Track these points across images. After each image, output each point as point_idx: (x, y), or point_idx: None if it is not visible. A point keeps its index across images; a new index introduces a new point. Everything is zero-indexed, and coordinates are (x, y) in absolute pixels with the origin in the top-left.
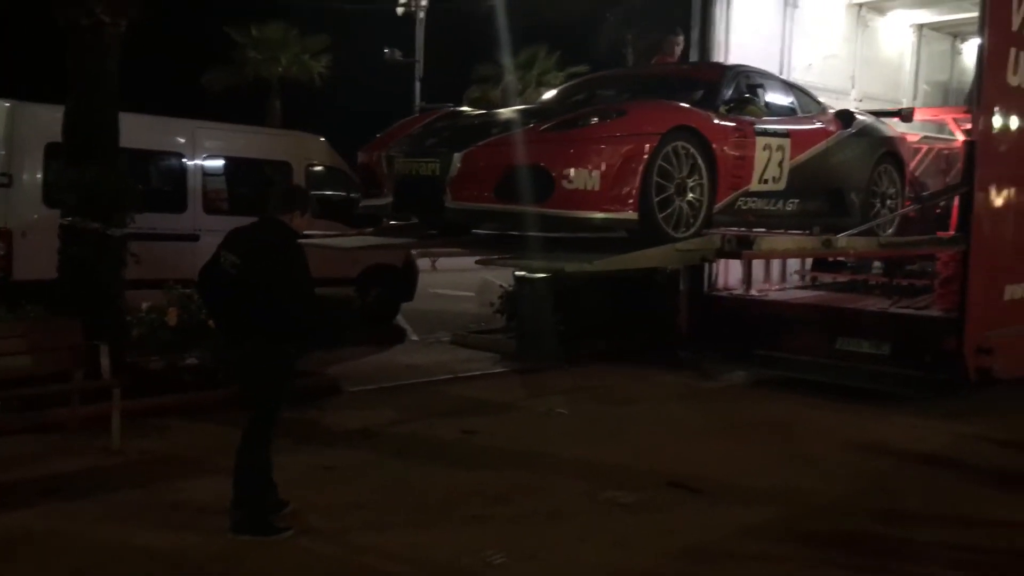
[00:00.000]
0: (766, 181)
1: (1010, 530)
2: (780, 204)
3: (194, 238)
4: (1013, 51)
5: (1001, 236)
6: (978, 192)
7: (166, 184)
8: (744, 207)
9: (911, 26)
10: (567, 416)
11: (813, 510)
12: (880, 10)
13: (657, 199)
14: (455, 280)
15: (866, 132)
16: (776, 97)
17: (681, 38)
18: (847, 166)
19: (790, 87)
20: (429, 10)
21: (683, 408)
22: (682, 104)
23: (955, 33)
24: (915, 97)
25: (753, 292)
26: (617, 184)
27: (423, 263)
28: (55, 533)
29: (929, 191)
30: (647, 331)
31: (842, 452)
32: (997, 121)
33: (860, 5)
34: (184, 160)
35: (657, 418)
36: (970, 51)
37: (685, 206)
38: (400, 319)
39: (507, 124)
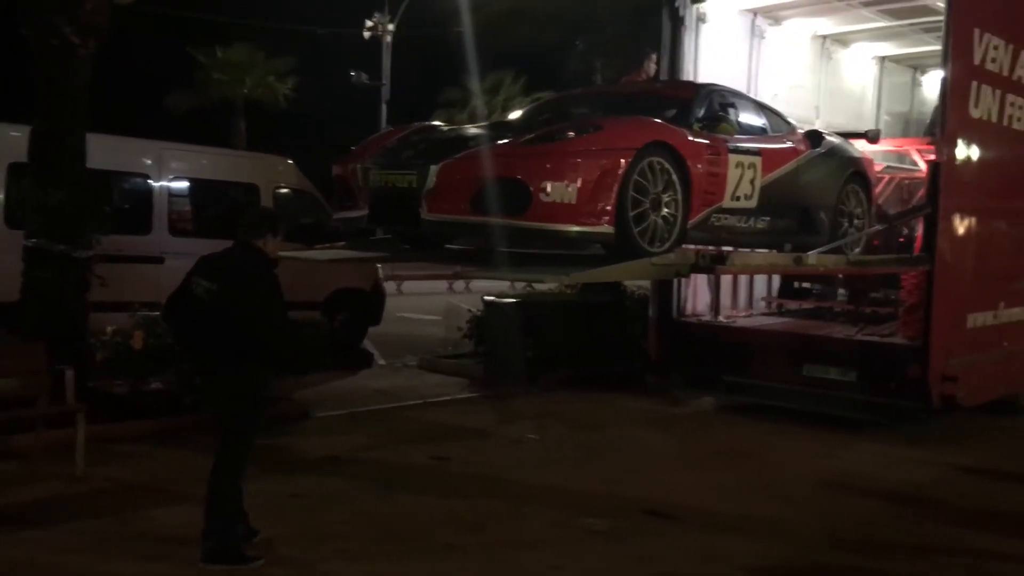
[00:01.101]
0: (738, 198)
1: (977, 559)
2: (752, 221)
3: (159, 260)
4: (975, 84)
5: (963, 264)
6: (942, 220)
7: (132, 206)
8: (717, 223)
9: (873, 58)
10: (538, 442)
11: (784, 538)
12: (844, 42)
13: (632, 214)
14: (422, 304)
15: (834, 152)
16: (748, 116)
17: (655, 56)
18: (816, 185)
19: (761, 107)
20: (396, 34)
21: (653, 434)
22: (657, 120)
23: (915, 65)
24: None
25: (721, 318)
26: (593, 198)
27: (389, 287)
28: (18, 563)
29: (891, 212)
30: (616, 357)
31: (810, 479)
32: (960, 152)
33: (824, 37)
34: (150, 182)
35: (627, 444)
36: (930, 83)
37: (660, 221)
38: (367, 343)
39: (484, 138)
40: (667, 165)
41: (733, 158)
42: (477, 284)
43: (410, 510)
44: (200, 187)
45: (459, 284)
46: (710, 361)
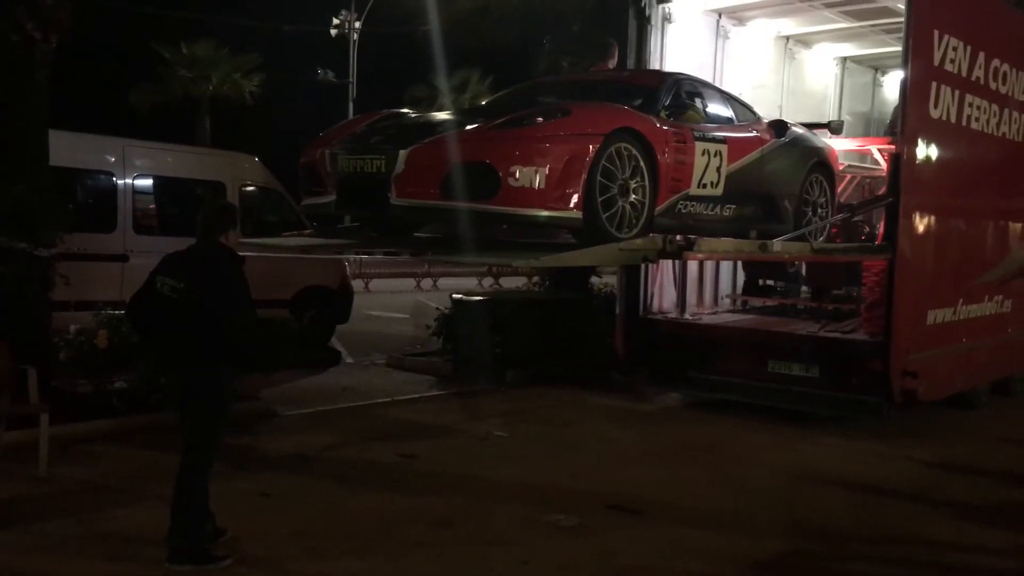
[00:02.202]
0: (705, 186)
1: (936, 549)
2: (718, 209)
3: (124, 258)
4: (935, 85)
5: (923, 262)
6: (902, 218)
7: (95, 203)
8: (684, 210)
9: (835, 59)
10: (506, 439)
11: (747, 530)
12: (806, 43)
13: (601, 199)
14: (390, 302)
15: (798, 142)
16: (714, 105)
17: (615, 50)
18: (780, 174)
19: (727, 97)
20: (363, 32)
21: (620, 430)
22: (625, 107)
23: (876, 66)
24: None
25: (687, 316)
26: (562, 183)
27: (357, 285)
28: None
29: (855, 218)
30: (583, 354)
31: (775, 473)
32: (920, 152)
33: (787, 38)
34: (114, 179)
35: (594, 440)
36: (890, 83)
37: (628, 207)
38: (335, 341)
39: (452, 123)
40: (634, 151)
41: (699, 146)
42: (445, 282)
43: (378, 508)
44: (165, 185)
45: (427, 282)
46: (676, 358)
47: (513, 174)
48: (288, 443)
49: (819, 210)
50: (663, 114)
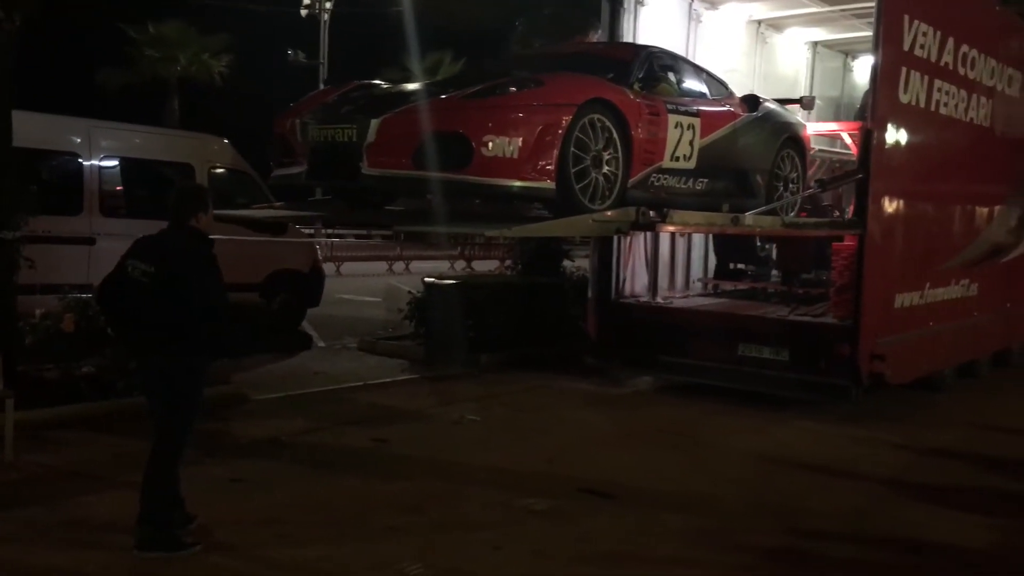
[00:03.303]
0: (677, 159)
1: (908, 530)
2: (691, 183)
3: (90, 241)
4: (904, 70)
5: (892, 245)
6: (871, 203)
7: (61, 185)
8: (657, 183)
9: (806, 43)
10: (479, 423)
11: (719, 513)
12: (778, 27)
13: (574, 170)
14: (361, 285)
15: (770, 117)
16: (687, 79)
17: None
18: (753, 148)
19: (700, 71)
20: (334, 12)
21: (593, 414)
22: (598, 78)
23: (847, 51)
24: (809, 114)
25: (659, 299)
26: (535, 153)
27: (329, 268)
28: None
29: (824, 203)
30: (556, 338)
31: (746, 456)
32: (890, 137)
33: (759, 22)
34: (80, 161)
35: (567, 424)
36: (861, 68)
37: (601, 179)
38: (306, 325)
39: (425, 93)
40: (608, 123)
41: (672, 119)
42: (417, 265)
43: (350, 493)
44: (132, 167)
45: (399, 265)
46: (648, 341)
47: (486, 144)
48: (259, 428)
49: (790, 185)
50: (636, 86)
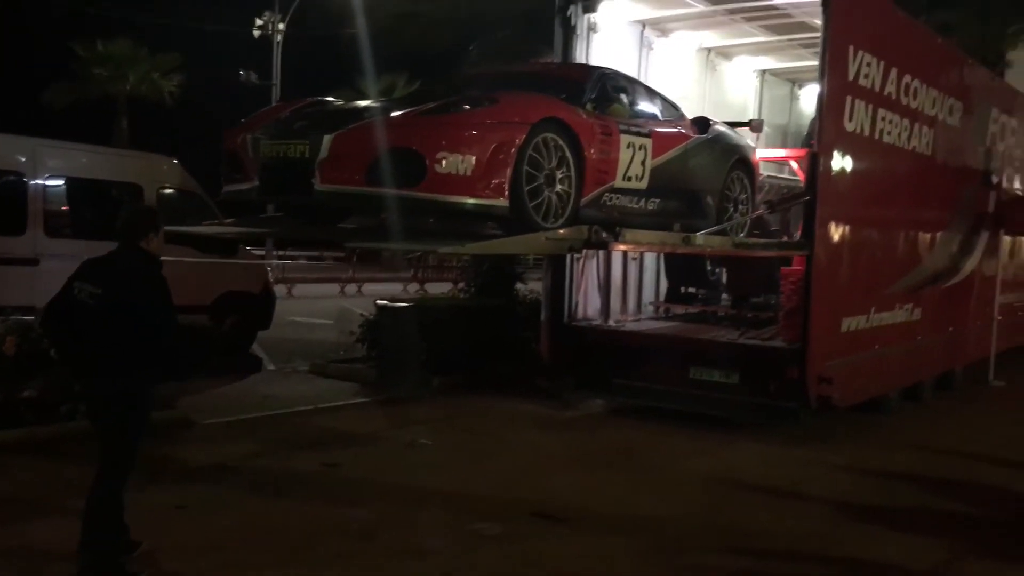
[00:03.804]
0: (630, 179)
1: (852, 552)
2: (643, 203)
3: (34, 262)
4: (849, 99)
5: (838, 270)
6: (819, 228)
7: (4, 205)
8: (609, 203)
9: (755, 71)
10: (430, 447)
11: (671, 536)
12: (727, 55)
13: (527, 188)
14: (313, 307)
15: (720, 139)
16: (640, 100)
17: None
18: (703, 170)
19: (653, 93)
20: (287, 34)
21: (545, 437)
22: (552, 98)
23: (794, 80)
24: (757, 139)
25: (611, 322)
26: (489, 171)
27: (280, 290)
28: None
29: (772, 228)
30: (509, 361)
31: (696, 478)
32: (835, 164)
33: (709, 50)
34: (24, 180)
35: (519, 447)
36: (807, 96)
37: (554, 197)
38: (256, 347)
39: (379, 110)
40: (561, 142)
41: (625, 139)
42: (370, 288)
43: (299, 519)
44: (79, 187)
45: (352, 288)
46: (600, 364)
47: (440, 161)
48: (206, 453)
49: (740, 206)
50: (589, 107)
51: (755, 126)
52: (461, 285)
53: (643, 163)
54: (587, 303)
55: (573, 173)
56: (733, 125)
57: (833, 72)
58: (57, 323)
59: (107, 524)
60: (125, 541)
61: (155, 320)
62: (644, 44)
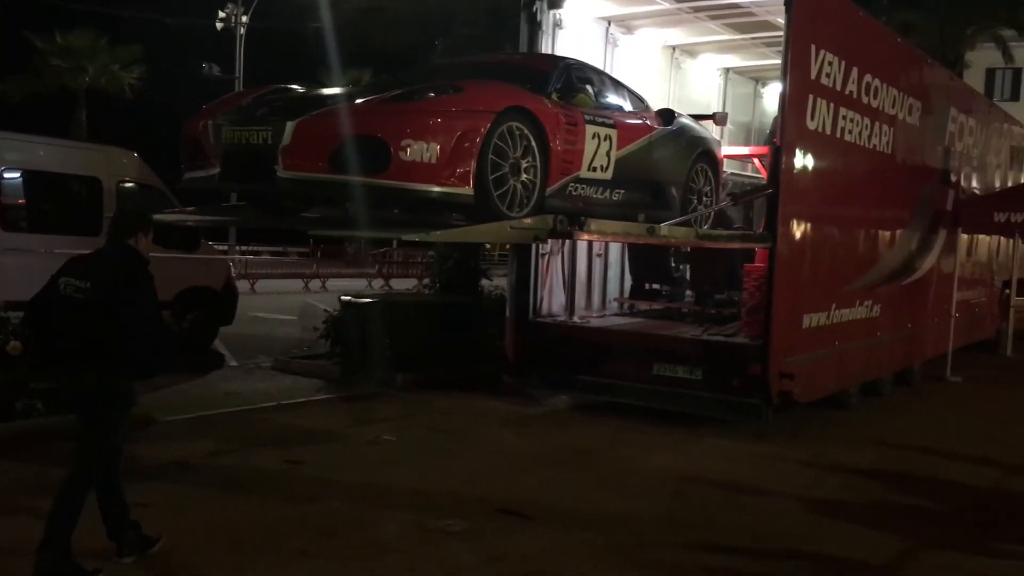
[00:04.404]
0: (595, 169)
1: (814, 546)
2: (607, 193)
3: None
4: (811, 97)
5: (800, 267)
6: (781, 225)
7: None
8: (574, 193)
9: (719, 69)
10: (394, 443)
11: (634, 532)
12: (692, 53)
13: (492, 177)
14: (276, 303)
15: (685, 132)
16: (605, 92)
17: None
18: (668, 161)
19: (618, 84)
20: (250, 27)
21: (509, 434)
22: (516, 87)
23: (757, 78)
24: (721, 136)
25: (576, 319)
26: (454, 159)
27: (242, 285)
28: None
29: (736, 226)
30: (474, 357)
31: (661, 475)
32: (797, 162)
33: (674, 48)
34: None
35: (484, 444)
36: (771, 94)
37: (519, 186)
38: (218, 344)
39: (343, 97)
40: (526, 131)
41: (590, 129)
42: (334, 283)
43: (261, 516)
44: (36, 180)
45: (315, 283)
46: (565, 361)
47: (404, 148)
48: (167, 451)
49: (704, 198)
50: (554, 96)
51: (719, 119)
52: (426, 281)
53: (608, 153)
54: (552, 299)
55: (538, 162)
56: (698, 118)
57: (795, 71)
58: (41, 318)
59: (69, 521)
60: (139, 536)
61: (139, 316)
62: (609, 41)
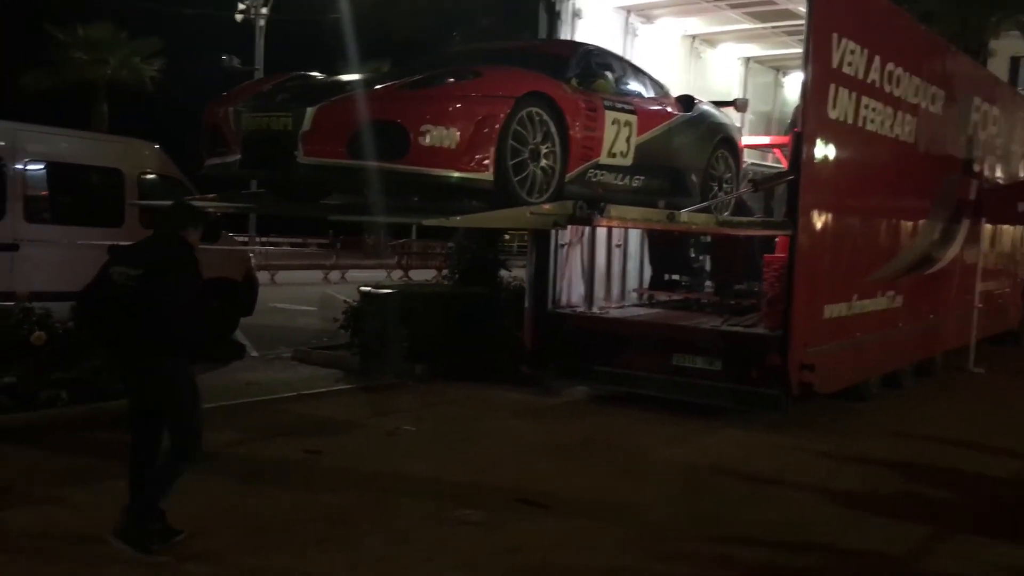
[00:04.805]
0: (614, 155)
1: (832, 537)
2: (627, 179)
3: (13, 247)
4: (833, 86)
5: (821, 257)
6: (801, 216)
7: None
8: (594, 179)
9: (739, 59)
10: (413, 434)
11: (650, 522)
12: (712, 43)
13: (512, 162)
14: (296, 294)
15: (705, 118)
16: (625, 77)
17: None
18: (688, 148)
19: (638, 71)
20: (270, 19)
21: (527, 424)
22: (536, 72)
23: (778, 67)
24: (742, 126)
25: (595, 310)
26: (473, 144)
27: (263, 276)
28: None
29: (756, 215)
30: (492, 348)
31: (678, 466)
32: (818, 152)
33: (694, 37)
34: (3, 164)
35: (502, 434)
36: (791, 84)
37: (539, 172)
38: (239, 334)
39: (362, 83)
40: (545, 117)
41: (609, 115)
42: (353, 274)
43: (281, 505)
44: (58, 172)
45: (335, 274)
46: (584, 352)
47: (423, 134)
48: None
49: (724, 185)
50: (574, 82)
51: (740, 105)
52: (445, 272)
53: (628, 140)
54: (571, 290)
55: (558, 148)
56: (718, 104)
57: (817, 60)
58: (95, 309)
59: (159, 497)
60: (164, 527)
61: (187, 304)
62: (629, 31)
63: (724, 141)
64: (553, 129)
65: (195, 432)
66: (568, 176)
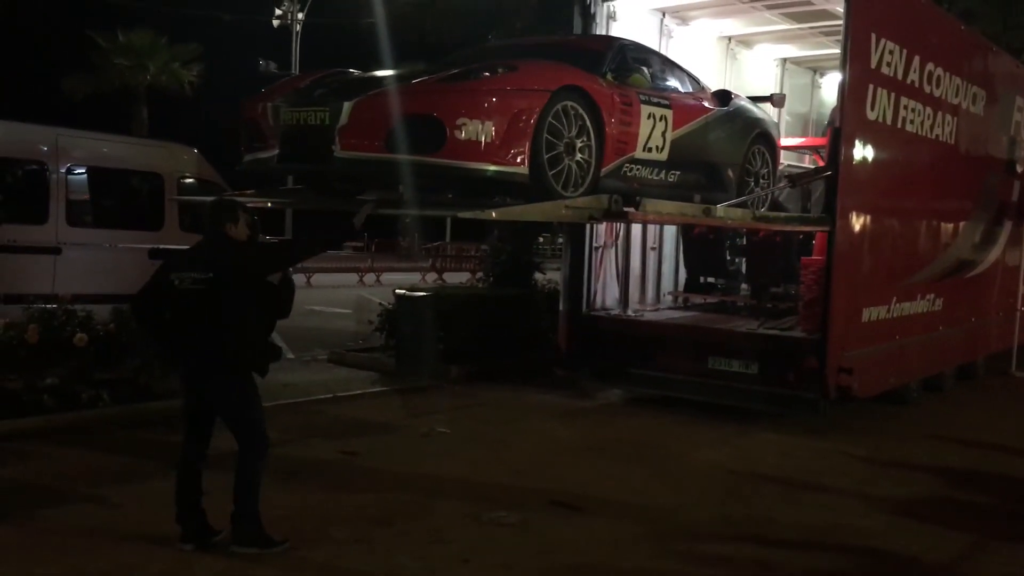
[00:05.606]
0: (650, 150)
1: (869, 542)
2: (663, 174)
3: (56, 251)
4: (871, 87)
5: (859, 260)
6: (840, 219)
7: (26, 194)
8: (629, 174)
9: (775, 60)
10: (448, 435)
11: (684, 526)
12: (748, 44)
13: (547, 156)
14: (332, 297)
15: (741, 113)
16: (660, 72)
17: None
18: (724, 142)
19: (673, 65)
20: (306, 23)
21: (562, 426)
22: (571, 66)
23: (815, 68)
24: (779, 120)
25: (629, 312)
26: (509, 138)
27: (299, 279)
28: None
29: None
30: (527, 350)
31: (714, 469)
32: (857, 153)
33: (729, 38)
34: (46, 169)
35: (536, 437)
36: (829, 85)
37: (574, 166)
38: (275, 336)
39: (398, 78)
40: (581, 110)
41: (645, 109)
42: (389, 277)
43: (317, 505)
44: (100, 176)
45: (370, 277)
46: (618, 354)
47: (459, 127)
48: (224, 441)
49: (761, 180)
50: (609, 76)
51: (777, 100)
52: (479, 275)
53: (663, 134)
54: (606, 293)
55: (593, 142)
56: (755, 99)
57: (855, 60)
58: (155, 314)
59: (256, 493)
60: (203, 525)
61: (255, 318)
62: (664, 32)
63: (761, 136)
64: (588, 123)
65: (260, 432)
66: (603, 171)
